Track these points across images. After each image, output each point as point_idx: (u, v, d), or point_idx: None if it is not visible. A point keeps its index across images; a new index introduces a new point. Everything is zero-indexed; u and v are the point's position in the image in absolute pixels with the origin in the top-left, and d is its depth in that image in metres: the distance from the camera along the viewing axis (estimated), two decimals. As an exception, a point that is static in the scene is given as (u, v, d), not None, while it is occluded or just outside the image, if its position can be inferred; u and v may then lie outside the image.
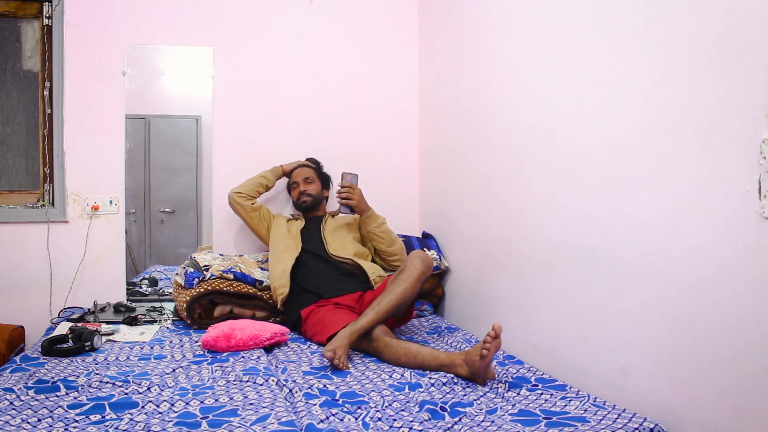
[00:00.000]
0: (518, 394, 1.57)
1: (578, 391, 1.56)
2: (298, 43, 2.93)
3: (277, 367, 1.85)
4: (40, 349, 1.96)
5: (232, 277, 2.37)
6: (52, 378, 1.66)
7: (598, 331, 1.64)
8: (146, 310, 2.54)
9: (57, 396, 1.54)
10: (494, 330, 1.59)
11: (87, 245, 2.68)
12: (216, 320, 2.33)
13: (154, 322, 2.42)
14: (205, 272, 2.35)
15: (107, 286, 2.70)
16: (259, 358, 1.89)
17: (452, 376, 1.69)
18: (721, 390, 1.25)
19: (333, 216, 2.69)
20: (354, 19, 2.98)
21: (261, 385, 1.63)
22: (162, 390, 1.60)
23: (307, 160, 2.82)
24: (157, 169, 2.97)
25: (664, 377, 1.40)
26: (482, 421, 1.39)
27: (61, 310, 2.60)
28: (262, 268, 2.59)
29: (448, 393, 1.59)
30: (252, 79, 2.89)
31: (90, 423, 1.37)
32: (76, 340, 2.00)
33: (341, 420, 1.39)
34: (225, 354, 1.95)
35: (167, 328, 2.36)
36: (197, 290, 2.31)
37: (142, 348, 2.07)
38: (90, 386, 1.61)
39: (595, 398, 1.50)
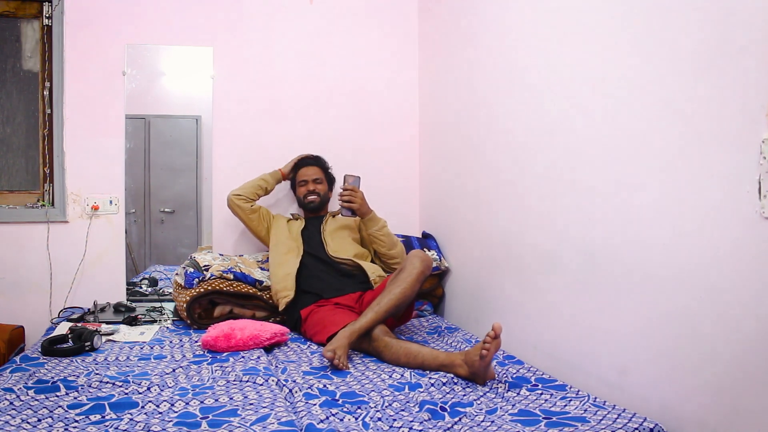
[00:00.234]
0: (518, 394, 1.57)
1: (578, 391, 1.56)
2: (298, 43, 2.92)
3: (277, 367, 1.85)
4: (40, 349, 1.96)
5: (232, 277, 2.37)
6: (52, 378, 1.66)
7: (598, 331, 1.64)
8: (146, 310, 2.54)
9: (57, 396, 1.54)
10: (494, 330, 1.59)
11: (87, 245, 2.68)
12: (216, 320, 2.33)
13: (154, 322, 2.42)
14: (205, 272, 2.35)
15: (107, 286, 2.70)
16: (259, 358, 1.89)
17: (452, 376, 1.69)
18: (721, 390, 1.25)
19: (333, 216, 2.69)
20: (354, 19, 2.98)
21: (261, 385, 1.63)
22: (162, 390, 1.60)
23: (313, 157, 2.79)
24: (157, 169, 2.97)
25: (664, 377, 1.40)
26: (482, 421, 1.39)
27: (61, 310, 2.60)
28: (262, 268, 2.59)
29: (448, 393, 1.59)
30: (252, 79, 2.89)
31: (90, 423, 1.37)
32: (76, 340, 2.00)
33: (341, 420, 1.39)
34: (225, 354, 1.95)
35: (167, 328, 2.36)
36: (197, 290, 2.31)
37: (142, 348, 2.07)
38: (90, 386, 1.61)
39: (595, 398, 1.50)
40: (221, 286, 2.34)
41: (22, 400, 1.49)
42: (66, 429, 1.33)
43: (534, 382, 1.65)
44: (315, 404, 1.47)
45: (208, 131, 2.89)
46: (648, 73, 1.44)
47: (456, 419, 1.40)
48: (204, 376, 1.73)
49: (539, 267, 1.92)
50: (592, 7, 1.65)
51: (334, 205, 2.77)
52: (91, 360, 1.90)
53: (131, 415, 1.42)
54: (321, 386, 1.62)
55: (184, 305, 2.32)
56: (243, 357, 1.90)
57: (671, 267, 1.38)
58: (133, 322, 2.36)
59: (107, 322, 2.33)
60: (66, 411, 1.43)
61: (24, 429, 1.32)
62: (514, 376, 1.70)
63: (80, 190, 2.69)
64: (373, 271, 2.41)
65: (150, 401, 1.49)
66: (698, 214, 1.30)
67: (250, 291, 2.40)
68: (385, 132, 3.01)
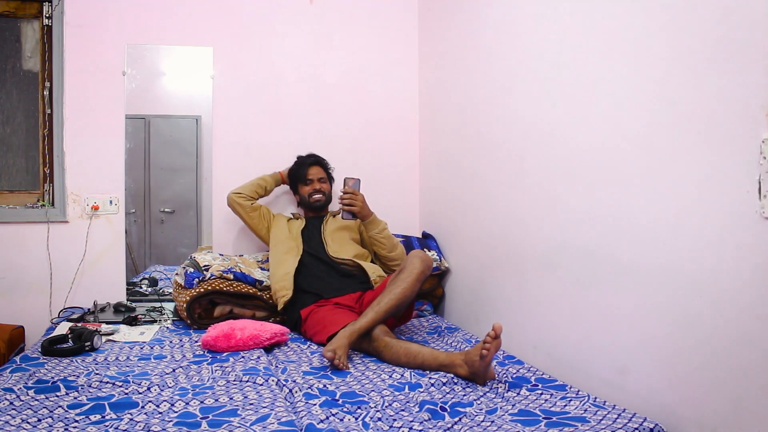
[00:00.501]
0: (518, 394, 1.57)
1: (578, 391, 1.56)
2: (298, 43, 2.92)
3: (277, 367, 1.85)
4: (40, 349, 1.96)
5: (232, 277, 2.37)
6: (52, 378, 1.66)
7: (598, 331, 1.64)
8: (146, 310, 2.54)
9: (57, 396, 1.54)
10: (494, 330, 1.59)
11: (87, 245, 2.68)
12: (216, 320, 2.33)
13: (154, 322, 2.42)
14: (205, 272, 2.35)
15: (107, 286, 2.70)
16: (259, 358, 1.89)
17: (452, 376, 1.69)
18: (720, 390, 1.25)
19: (334, 216, 2.69)
20: (354, 20, 2.98)
21: (261, 385, 1.63)
22: (162, 390, 1.60)
23: (314, 157, 2.78)
24: (157, 169, 2.97)
25: (664, 377, 1.40)
26: (482, 421, 1.39)
27: (61, 310, 2.60)
28: (262, 268, 2.59)
29: (448, 393, 1.59)
30: (252, 79, 2.88)
31: (90, 423, 1.37)
32: (76, 340, 2.00)
33: (341, 420, 1.39)
34: (225, 354, 1.95)
35: (167, 328, 2.36)
36: (197, 290, 2.31)
37: (142, 348, 2.07)
38: (90, 386, 1.61)
39: (595, 398, 1.50)
40: (221, 286, 2.34)
41: (22, 400, 1.49)
42: (66, 429, 1.33)
43: (534, 382, 1.65)
44: (315, 404, 1.47)
45: (208, 131, 2.89)
46: (648, 73, 1.44)
47: (456, 419, 1.40)
48: (204, 376, 1.73)
49: (539, 267, 1.92)
50: (592, 7, 1.65)
51: (333, 205, 2.77)
52: (91, 360, 1.90)
53: (131, 415, 1.42)
54: (321, 386, 1.62)
55: (184, 305, 2.32)
56: (243, 357, 1.90)
57: (671, 267, 1.38)
58: (133, 322, 2.36)
59: (107, 322, 2.33)
60: (66, 411, 1.43)
61: (24, 429, 1.32)
62: (514, 376, 1.70)
63: (80, 190, 2.69)
64: (374, 271, 2.42)
65: (150, 401, 1.49)
66: (698, 214, 1.30)
67: (250, 291, 2.40)
68: (385, 132, 3.01)
